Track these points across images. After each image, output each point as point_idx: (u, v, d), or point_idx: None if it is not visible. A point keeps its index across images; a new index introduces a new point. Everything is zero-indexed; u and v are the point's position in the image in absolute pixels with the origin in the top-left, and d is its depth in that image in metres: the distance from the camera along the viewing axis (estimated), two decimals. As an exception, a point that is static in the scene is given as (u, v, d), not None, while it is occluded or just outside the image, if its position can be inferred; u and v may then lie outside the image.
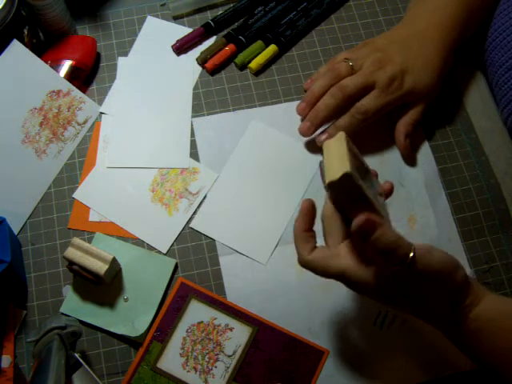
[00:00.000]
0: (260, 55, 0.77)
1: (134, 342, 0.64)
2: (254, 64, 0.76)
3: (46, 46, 0.75)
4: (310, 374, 0.63)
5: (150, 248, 0.68)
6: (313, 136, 0.71)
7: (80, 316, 0.64)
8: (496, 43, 0.72)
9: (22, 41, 0.71)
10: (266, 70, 0.78)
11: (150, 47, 0.78)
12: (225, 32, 0.79)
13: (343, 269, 0.51)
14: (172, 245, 0.68)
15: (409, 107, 0.72)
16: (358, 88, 0.67)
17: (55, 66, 0.73)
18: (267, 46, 0.78)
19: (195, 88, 0.76)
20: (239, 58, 0.77)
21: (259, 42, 0.78)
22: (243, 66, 0.77)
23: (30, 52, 0.72)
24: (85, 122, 0.73)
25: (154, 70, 0.77)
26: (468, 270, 0.68)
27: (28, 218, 0.69)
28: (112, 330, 0.63)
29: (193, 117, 0.74)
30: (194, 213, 0.69)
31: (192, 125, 0.74)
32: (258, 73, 0.77)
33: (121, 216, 0.69)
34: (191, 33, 0.78)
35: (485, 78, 0.79)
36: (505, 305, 0.54)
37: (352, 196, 0.49)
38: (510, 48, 0.70)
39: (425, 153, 0.74)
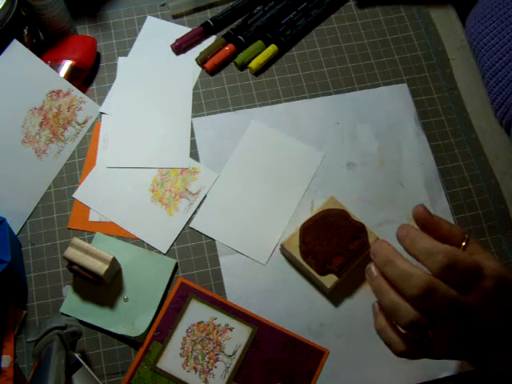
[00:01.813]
0: (260, 55, 0.77)
1: (134, 342, 0.64)
2: (253, 64, 0.76)
3: (46, 46, 0.75)
4: (310, 374, 0.63)
5: (150, 248, 0.68)
6: None
7: (80, 316, 0.64)
8: (480, 46, 0.72)
9: (22, 41, 0.71)
10: (266, 69, 0.78)
11: (150, 47, 0.78)
12: (224, 32, 0.79)
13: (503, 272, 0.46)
14: (172, 245, 0.68)
15: None
16: None
17: (55, 65, 0.73)
18: (267, 45, 0.78)
19: (195, 88, 0.76)
20: (239, 58, 0.77)
21: (259, 42, 0.78)
22: (243, 66, 0.77)
23: (30, 52, 0.72)
24: (85, 122, 0.73)
25: (154, 69, 0.77)
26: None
27: (28, 218, 0.69)
28: (112, 330, 0.63)
29: (193, 117, 0.74)
30: (194, 213, 0.69)
31: (192, 125, 0.74)
32: (257, 73, 0.77)
33: (121, 216, 0.69)
34: (190, 32, 0.78)
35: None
36: None
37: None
38: (495, 51, 0.69)
39: (425, 153, 0.74)
